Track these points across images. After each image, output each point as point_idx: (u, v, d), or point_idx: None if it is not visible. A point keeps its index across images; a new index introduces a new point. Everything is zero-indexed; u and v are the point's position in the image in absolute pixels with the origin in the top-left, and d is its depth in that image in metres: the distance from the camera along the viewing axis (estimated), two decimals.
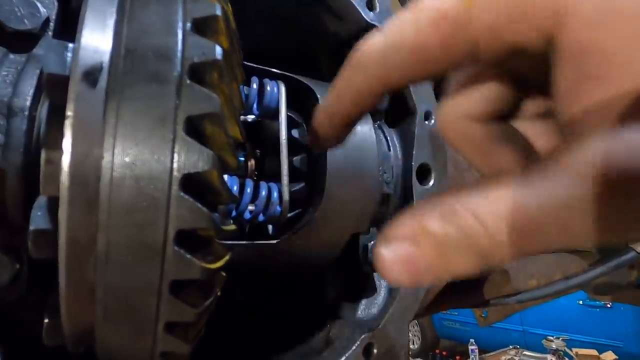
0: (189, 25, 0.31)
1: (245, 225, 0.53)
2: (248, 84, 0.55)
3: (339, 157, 0.52)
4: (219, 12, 0.32)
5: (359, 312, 0.62)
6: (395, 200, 0.61)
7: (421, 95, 0.63)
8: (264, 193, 0.49)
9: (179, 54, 0.30)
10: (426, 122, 0.64)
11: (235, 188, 0.47)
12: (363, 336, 0.54)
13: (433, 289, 0.66)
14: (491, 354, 5.27)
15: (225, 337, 0.74)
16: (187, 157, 0.29)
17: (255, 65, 0.55)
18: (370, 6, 0.60)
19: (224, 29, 0.33)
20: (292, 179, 0.54)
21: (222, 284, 0.43)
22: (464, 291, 0.96)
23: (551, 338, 4.80)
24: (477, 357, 5.11)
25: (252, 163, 0.58)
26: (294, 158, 0.53)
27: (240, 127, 0.37)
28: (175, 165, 0.29)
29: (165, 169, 0.28)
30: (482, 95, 0.31)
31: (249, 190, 0.48)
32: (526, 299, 0.90)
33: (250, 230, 0.56)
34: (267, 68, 0.56)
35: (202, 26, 0.32)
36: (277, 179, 0.52)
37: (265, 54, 0.73)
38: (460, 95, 0.31)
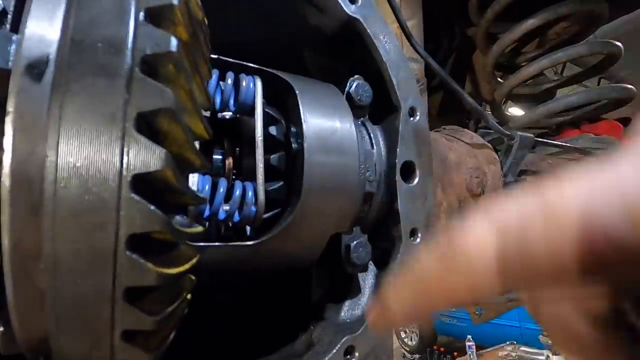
0: (142, 14, 0.29)
1: (221, 226, 0.51)
2: (224, 79, 0.53)
3: (317, 155, 0.50)
4: (175, 1, 0.30)
5: (343, 314, 0.61)
6: (378, 198, 0.60)
7: (405, 91, 0.61)
8: (238, 193, 0.47)
9: (129, 46, 0.28)
10: (411, 119, 0.62)
11: (207, 188, 0.45)
12: (344, 339, 0.53)
13: None
14: (488, 350, 5.28)
15: (210, 338, 0.72)
16: (137, 156, 0.27)
17: (231, 59, 0.53)
18: None
19: (183, 19, 0.31)
20: (270, 178, 0.52)
21: (192, 287, 0.41)
22: None
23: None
24: (474, 353, 5.11)
25: (229, 161, 0.56)
26: (272, 156, 0.51)
27: (204, 124, 0.35)
28: (124, 165, 0.27)
29: (113, 169, 0.27)
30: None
31: (221, 189, 0.46)
32: (517, 298, 0.89)
33: (229, 231, 0.54)
34: (243, 63, 0.54)
35: (157, 16, 0.30)
36: (252, 177, 0.50)
37: (249, 50, 0.71)
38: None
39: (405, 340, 7.18)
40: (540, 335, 4.87)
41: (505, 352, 4.97)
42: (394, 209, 0.59)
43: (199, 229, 0.36)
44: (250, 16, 0.65)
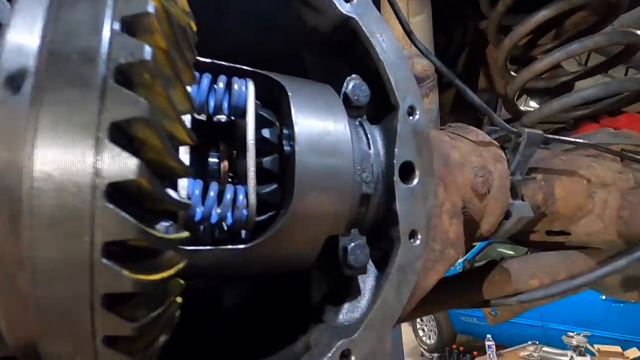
0: (117, 24, 0.29)
1: (215, 229, 0.51)
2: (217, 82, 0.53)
3: (308, 157, 0.49)
4: (150, 9, 0.30)
5: (341, 316, 0.60)
6: (376, 200, 0.59)
7: (404, 90, 0.60)
8: (229, 196, 0.47)
9: (104, 56, 0.28)
10: (410, 118, 0.61)
11: (197, 192, 0.46)
12: (340, 342, 0.52)
13: (416, 292, 0.63)
14: (509, 349, 5.16)
15: (210, 341, 0.73)
16: (111, 165, 0.27)
17: (223, 63, 0.53)
18: None
19: (161, 26, 0.31)
20: (264, 180, 0.52)
21: (180, 291, 0.41)
22: (462, 291, 0.93)
23: (571, 334, 4.66)
24: (494, 353, 5.01)
25: (225, 164, 0.56)
26: (265, 159, 0.51)
27: (186, 129, 0.35)
28: (98, 174, 0.27)
29: (87, 179, 0.27)
30: None
31: (212, 193, 0.46)
32: (527, 300, 0.86)
33: (225, 234, 0.54)
34: (236, 65, 0.54)
35: (132, 25, 0.30)
36: (245, 180, 0.50)
37: (248, 51, 0.71)
38: None
39: (424, 338, 7.11)
40: (564, 336, 4.73)
41: (527, 353, 4.85)
42: (392, 210, 0.58)
43: (183, 234, 0.36)
44: (246, 18, 0.65)
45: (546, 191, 0.82)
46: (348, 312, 0.60)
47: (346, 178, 0.52)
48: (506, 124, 0.73)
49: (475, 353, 5.91)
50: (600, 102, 1.20)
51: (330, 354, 0.51)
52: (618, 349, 4.49)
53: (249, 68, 0.54)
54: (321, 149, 0.50)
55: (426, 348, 7.01)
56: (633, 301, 1.21)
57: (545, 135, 0.74)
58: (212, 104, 0.51)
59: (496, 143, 0.75)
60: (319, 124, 0.52)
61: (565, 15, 1.23)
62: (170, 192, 0.36)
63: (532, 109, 1.21)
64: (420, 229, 0.59)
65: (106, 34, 0.29)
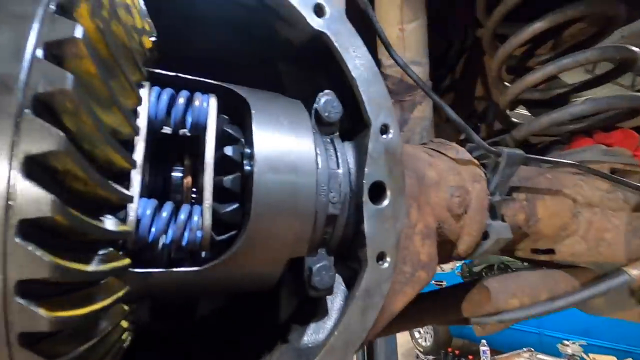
0: (40, 50, 0.28)
1: (172, 251, 0.50)
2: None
3: (268, 177, 0.48)
4: (78, 35, 0.29)
5: (306, 337, 0.59)
6: (342, 220, 0.57)
7: (376, 106, 0.58)
8: (182, 217, 0.46)
9: (22, 84, 0.27)
10: (382, 136, 0.59)
11: (148, 212, 0.44)
12: None
13: (383, 315, 0.62)
14: (503, 355, 5.14)
15: (187, 352, 0.72)
16: (24, 201, 0.26)
17: (185, 76, 0.52)
18: (320, 12, 0.55)
19: (91, 50, 0.30)
20: (225, 199, 0.50)
21: (123, 317, 0.40)
22: (441, 308, 0.91)
23: (567, 342, 4.63)
24: (489, 358, 4.99)
25: (188, 180, 0.55)
26: (225, 178, 0.50)
27: (122, 154, 0.33)
28: (11, 209, 0.26)
29: (0, 214, 0.26)
30: None
31: (164, 214, 0.45)
32: (506, 320, 0.84)
33: (185, 254, 0.53)
34: (199, 79, 0.52)
35: (57, 51, 0.29)
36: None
37: (224, 60, 0.69)
38: None
39: (420, 340, 7.10)
40: (560, 344, 4.70)
41: (522, 359, 4.82)
42: (361, 231, 0.57)
43: (121, 262, 0.35)
44: (218, 26, 0.63)
45: (528, 211, 0.80)
46: (313, 333, 0.59)
47: (308, 198, 0.51)
48: (485, 143, 0.71)
49: (470, 357, 5.89)
50: (592, 117, 1.17)
51: None
52: (614, 359, 4.45)
53: (210, 81, 0.53)
54: (281, 168, 0.49)
55: (421, 350, 7.00)
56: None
57: (525, 155, 0.72)
58: (173, 120, 0.50)
59: (476, 162, 0.73)
60: (280, 143, 0.50)
61: (562, 26, 1.20)
62: (107, 218, 0.35)
63: (522, 122, 1.19)
64: (389, 251, 0.57)
65: (27, 60, 0.27)
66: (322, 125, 0.59)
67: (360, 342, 0.55)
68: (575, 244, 0.88)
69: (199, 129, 0.51)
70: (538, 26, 1.02)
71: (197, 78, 0.52)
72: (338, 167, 0.57)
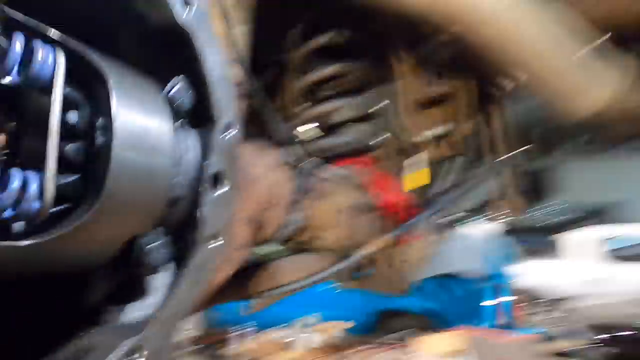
0: None
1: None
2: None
3: (127, 153, 0.47)
4: None
5: (126, 317, 0.58)
6: (184, 203, 0.61)
7: (224, 106, 0.65)
8: (16, 184, 0.39)
9: None
10: (227, 132, 0.66)
11: None
12: (125, 341, 0.51)
13: (207, 290, 0.69)
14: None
15: None
16: None
17: (31, 20, 0.44)
18: (187, 4, 0.58)
19: None
20: (61, 169, 0.45)
21: None
22: (237, 286, 1.05)
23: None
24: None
25: (2, 137, 0.45)
26: (67, 146, 0.45)
27: None
28: None
29: None
30: None
31: None
32: (286, 290, 1.07)
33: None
34: (44, 26, 0.45)
35: None
36: (38, 165, 0.43)
37: (61, 18, 0.59)
38: None
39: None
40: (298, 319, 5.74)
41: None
42: (198, 214, 0.62)
43: None
44: None
45: (310, 208, 1.06)
46: (136, 311, 0.59)
47: (162, 179, 0.53)
48: (293, 153, 0.90)
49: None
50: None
51: (116, 354, 0.49)
52: (341, 323, 5.81)
53: (61, 34, 0.46)
54: (141, 146, 0.49)
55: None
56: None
57: (314, 166, 0.96)
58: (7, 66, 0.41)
59: (289, 164, 0.92)
60: (141, 121, 0.50)
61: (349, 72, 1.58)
62: None
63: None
64: (221, 233, 0.65)
65: None
66: (172, 112, 0.61)
67: (188, 313, 0.61)
68: (335, 234, 1.22)
69: (36, 84, 0.44)
70: (329, 70, 1.34)
71: (42, 24, 0.45)
72: (186, 152, 0.61)
